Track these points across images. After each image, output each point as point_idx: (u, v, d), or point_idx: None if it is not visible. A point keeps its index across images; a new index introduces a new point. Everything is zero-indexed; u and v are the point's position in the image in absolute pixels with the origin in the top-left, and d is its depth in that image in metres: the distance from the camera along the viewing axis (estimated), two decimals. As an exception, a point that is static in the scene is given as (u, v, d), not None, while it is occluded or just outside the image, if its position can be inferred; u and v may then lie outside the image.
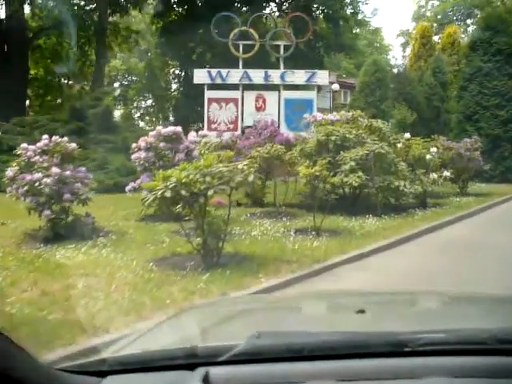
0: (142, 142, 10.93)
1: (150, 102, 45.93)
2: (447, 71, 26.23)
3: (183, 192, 6.86)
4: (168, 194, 6.77)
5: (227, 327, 2.00)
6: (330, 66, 55.63)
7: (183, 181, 6.86)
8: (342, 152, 11.74)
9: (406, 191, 11.69)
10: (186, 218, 7.92)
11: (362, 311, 1.95)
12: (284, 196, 12.18)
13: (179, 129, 10.96)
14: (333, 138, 12.04)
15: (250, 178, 7.39)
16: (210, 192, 6.81)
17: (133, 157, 10.99)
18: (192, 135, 11.35)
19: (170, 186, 6.83)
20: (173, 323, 2.22)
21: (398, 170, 12.08)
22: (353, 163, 11.29)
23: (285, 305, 2.63)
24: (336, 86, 41.22)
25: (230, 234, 8.96)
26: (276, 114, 21.10)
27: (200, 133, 11.20)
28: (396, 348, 1.47)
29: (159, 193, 6.83)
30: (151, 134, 11.00)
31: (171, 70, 40.49)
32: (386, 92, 23.67)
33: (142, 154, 10.78)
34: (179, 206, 7.31)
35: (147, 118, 44.36)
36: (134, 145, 11.22)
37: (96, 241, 8.63)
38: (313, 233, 9.42)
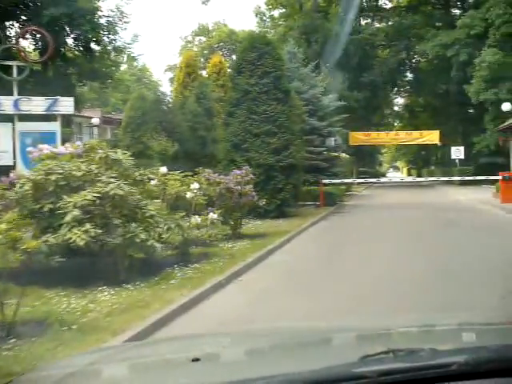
0: None
1: None
2: (213, 97, 23.92)
3: None
4: None
5: None
6: (97, 103, 52.41)
7: None
8: (65, 196, 8.22)
9: (157, 246, 8.42)
10: None
11: (196, 359, 1.94)
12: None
13: None
14: (53, 177, 8.49)
15: None
16: None
17: None
18: None
19: None
20: None
21: (146, 217, 8.80)
22: (77, 212, 7.77)
23: (122, 357, 2.45)
24: (96, 121, 37.63)
25: None
26: (11, 149, 16.96)
27: None
28: None
29: None
30: None
31: None
32: (152, 126, 20.77)
33: None
34: None
35: None
36: None
37: None
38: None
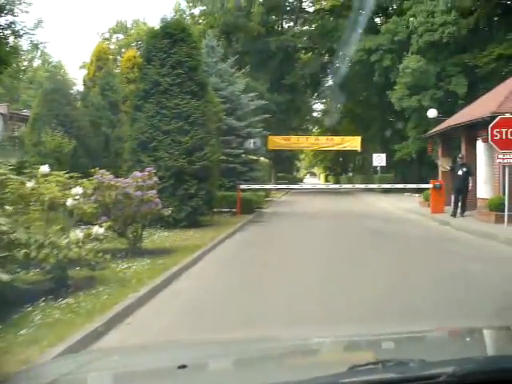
0: None
1: None
2: (120, 89, 21.33)
3: None
4: None
5: None
6: (7, 99, 48.64)
7: None
8: None
9: (3, 277, 5.95)
10: None
11: (183, 366, 1.91)
12: None
13: None
14: None
15: None
16: None
17: None
18: None
19: None
20: None
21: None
22: None
23: (105, 365, 2.38)
24: (-5, 115, 33.88)
25: None
26: None
27: None
28: None
29: None
30: None
31: None
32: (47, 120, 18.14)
33: None
34: None
35: None
36: None
37: None
38: None
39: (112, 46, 68.44)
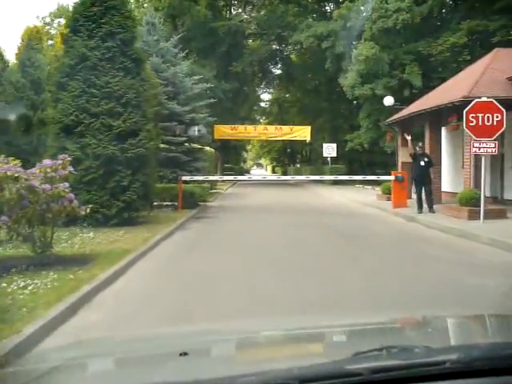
0: None
1: None
2: (44, 66, 18.68)
3: None
4: None
5: None
6: None
7: None
8: None
9: None
10: None
11: (184, 354, 1.86)
12: None
13: None
14: None
15: None
16: None
17: None
18: None
19: None
20: None
21: None
22: None
23: (107, 351, 2.35)
24: None
25: None
26: None
27: None
28: None
29: None
30: None
31: None
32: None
33: None
34: None
35: None
36: None
37: None
38: None
39: (53, 31, 65.45)
